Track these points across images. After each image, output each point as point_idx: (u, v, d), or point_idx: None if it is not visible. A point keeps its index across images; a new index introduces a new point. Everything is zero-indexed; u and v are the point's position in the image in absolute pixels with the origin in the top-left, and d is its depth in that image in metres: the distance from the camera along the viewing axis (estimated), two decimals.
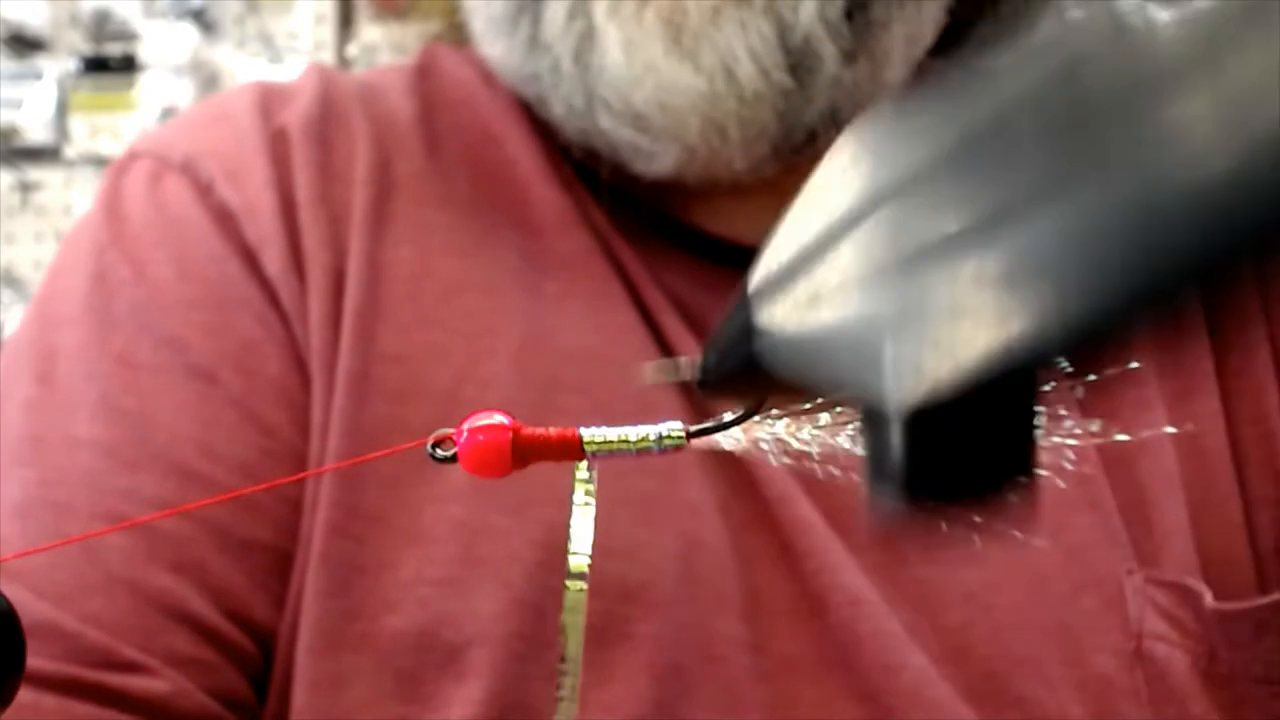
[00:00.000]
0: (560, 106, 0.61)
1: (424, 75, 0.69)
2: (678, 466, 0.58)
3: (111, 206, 0.63)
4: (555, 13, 0.59)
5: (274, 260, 0.60)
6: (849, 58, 0.58)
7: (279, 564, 0.57)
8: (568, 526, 0.36)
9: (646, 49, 0.57)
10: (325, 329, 0.59)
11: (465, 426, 0.33)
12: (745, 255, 0.63)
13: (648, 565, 0.56)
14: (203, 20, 2.27)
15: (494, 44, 0.63)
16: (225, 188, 0.62)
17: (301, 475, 0.58)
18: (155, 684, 0.54)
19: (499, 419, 0.33)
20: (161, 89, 2.23)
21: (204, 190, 0.62)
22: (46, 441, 0.58)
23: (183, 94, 2.21)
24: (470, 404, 0.61)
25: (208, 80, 2.25)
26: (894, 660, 0.56)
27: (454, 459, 0.33)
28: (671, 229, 0.64)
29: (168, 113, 2.19)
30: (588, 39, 0.58)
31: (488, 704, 0.55)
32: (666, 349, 0.61)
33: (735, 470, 0.59)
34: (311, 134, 0.63)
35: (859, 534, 0.58)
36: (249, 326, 0.59)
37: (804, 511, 0.58)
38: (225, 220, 0.61)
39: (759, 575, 0.58)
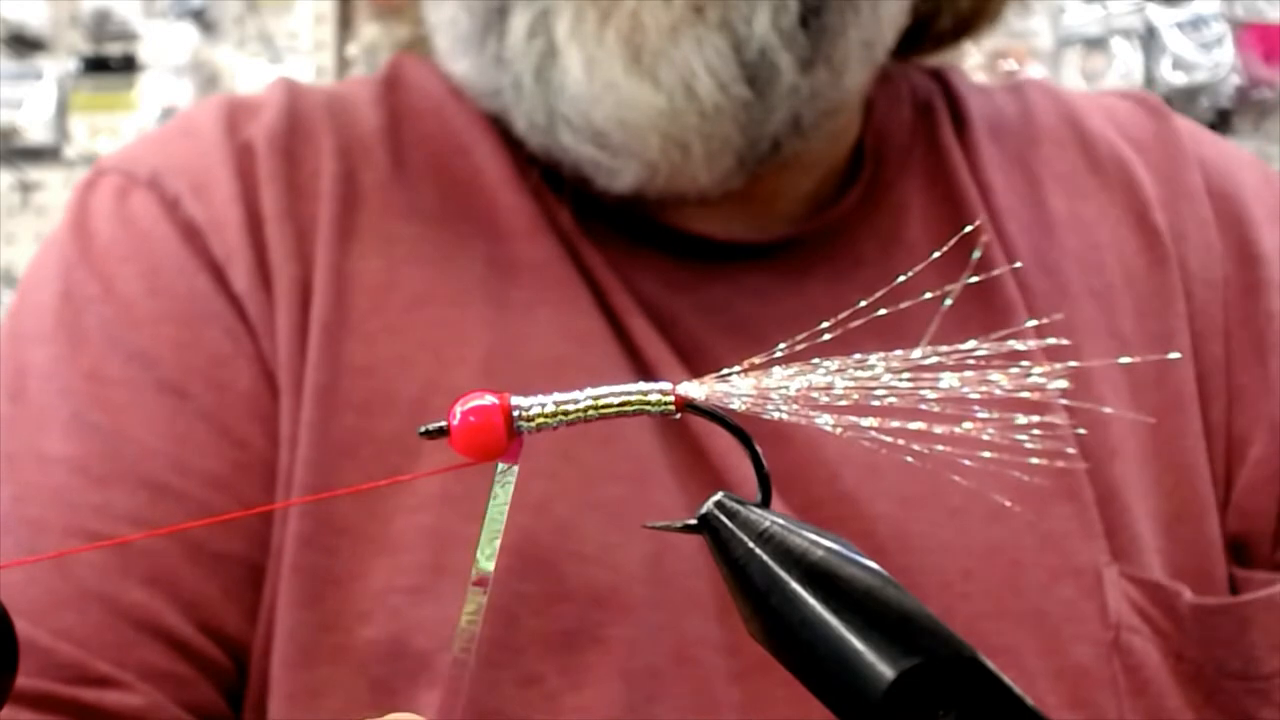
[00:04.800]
0: (522, 122, 0.61)
1: (391, 86, 0.69)
2: (648, 472, 0.58)
3: (79, 223, 0.63)
4: (517, 30, 0.59)
5: (241, 275, 0.60)
6: (806, 65, 0.58)
7: (251, 576, 0.58)
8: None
9: (607, 68, 0.57)
10: (292, 342, 0.59)
11: (457, 408, 0.34)
12: (716, 248, 0.63)
13: (618, 569, 0.57)
14: (203, 20, 2.27)
15: (459, 61, 0.64)
16: (192, 203, 0.62)
17: (290, 503, 0.58)
18: (129, 698, 0.54)
19: (490, 399, 0.34)
20: (161, 89, 2.23)
21: (171, 205, 0.62)
22: (18, 459, 0.58)
23: (183, 94, 2.22)
24: (438, 414, 0.62)
25: (208, 80, 2.25)
26: None
27: (445, 431, 0.35)
28: (641, 227, 0.64)
29: (168, 113, 2.20)
30: (549, 57, 0.58)
31: (461, 710, 0.55)
32: (634, 352, 0.61)
33: (707, 475, 0.59)
34: (277, 147, 0.63)
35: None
36: (218, 341, 0.60)
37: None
38: (192, 236, 0.61)
39: None
